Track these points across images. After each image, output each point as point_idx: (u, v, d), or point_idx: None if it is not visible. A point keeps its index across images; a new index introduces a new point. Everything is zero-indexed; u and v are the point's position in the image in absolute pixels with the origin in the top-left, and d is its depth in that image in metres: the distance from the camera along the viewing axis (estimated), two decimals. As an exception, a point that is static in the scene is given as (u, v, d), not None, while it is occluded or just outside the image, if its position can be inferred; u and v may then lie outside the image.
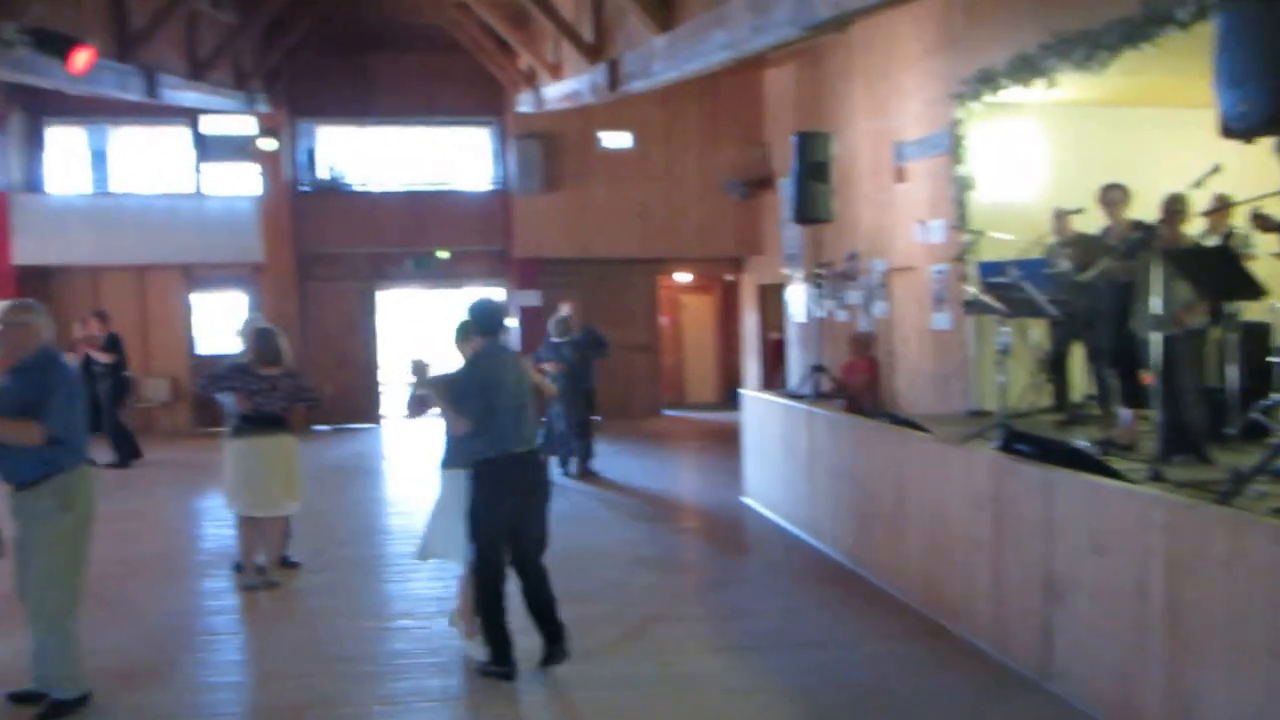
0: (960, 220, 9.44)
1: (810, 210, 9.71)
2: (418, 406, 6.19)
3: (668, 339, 19.34)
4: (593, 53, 10.10)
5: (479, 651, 5.95)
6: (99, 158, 17.49)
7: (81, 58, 7.28)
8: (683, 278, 19.22)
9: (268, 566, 7.91)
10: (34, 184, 17.04)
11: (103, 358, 12.93)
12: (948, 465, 6.52)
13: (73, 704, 5.34)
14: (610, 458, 13.21)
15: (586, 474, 12.09)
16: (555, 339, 12.14)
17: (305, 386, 7.79)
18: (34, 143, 17.05)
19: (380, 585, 8.06)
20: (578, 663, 6.00)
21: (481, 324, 5.81)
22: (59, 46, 7.13)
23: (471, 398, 5.65)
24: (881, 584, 7.41)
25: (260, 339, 7.70)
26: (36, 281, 16.22)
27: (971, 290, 8.56)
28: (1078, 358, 8.62)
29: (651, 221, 16.74)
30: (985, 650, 6.00)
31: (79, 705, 5.37)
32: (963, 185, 9.45)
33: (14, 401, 5.15)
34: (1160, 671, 4.53)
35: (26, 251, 16.22)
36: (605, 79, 9.55)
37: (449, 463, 6.11)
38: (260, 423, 7.58)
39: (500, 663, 5.78)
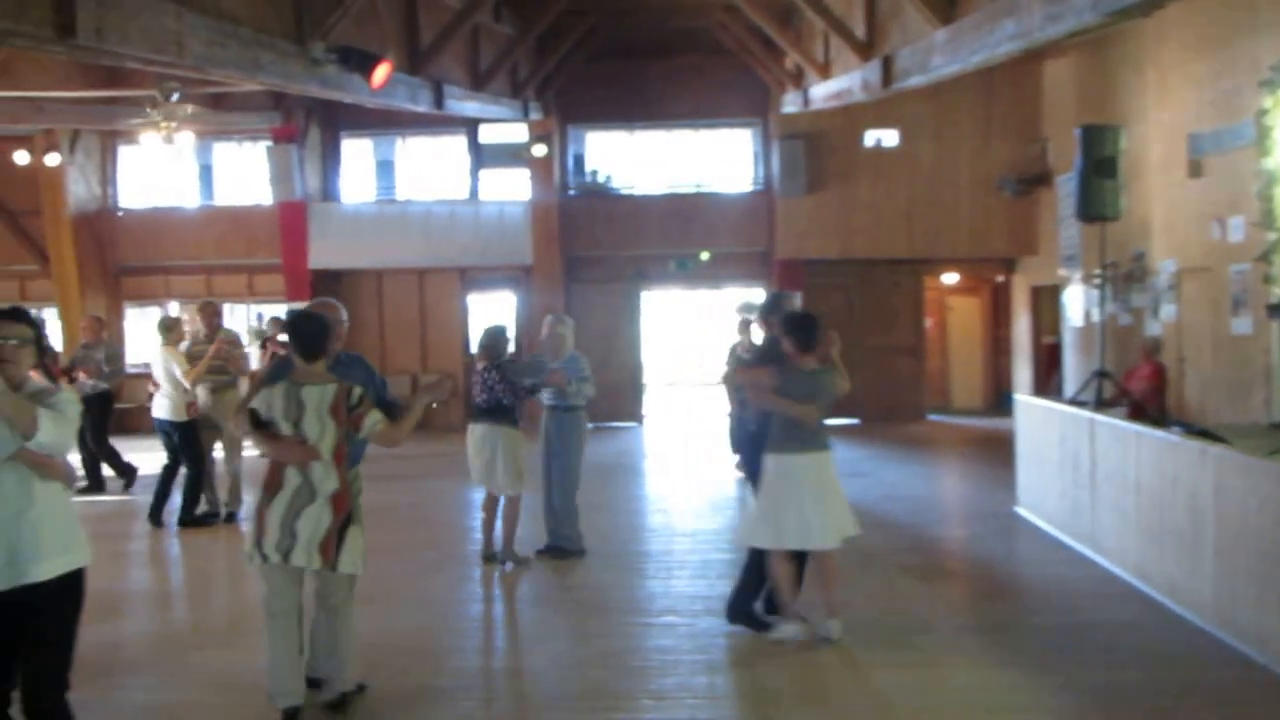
0: (1266, 217, 8.70)
1: (1095, 208, 9.18)
2: None
3: (933, 342, 18.82)
4: (865, 49, 9.91)
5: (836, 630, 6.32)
6: (385, 167, 18.70)
7: (381, 72, 7.76)
8: (950, 279, 18.64)
9: (506, 546, 8.45)
10: (330, 193, 18.39)
11: None
12: (1254, 480, 6.00)
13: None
14: (873, 462, 12.98)
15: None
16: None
17: (499, 380, 8.19)
18: (330, 155, 18.40)
19: (644, 581, 8.17)
20: (845, 670, 5.92)
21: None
22: (362, 63, 7.63)
23: None
24: (1172, 605, 6.91)
25: (480, 337, 8.45)
26: (329, 284, 17.47)
27: (1278, 292, 7.88)
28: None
29: (918, 221, 16.31)
30: (1299, 685, 5.50)
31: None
32: (1270, 179, 8.70)
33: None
34: None
35: (321, 256, 17.49)
36: (878, 76, 9.35)
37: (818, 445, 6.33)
38: (476, 413, 8.32)
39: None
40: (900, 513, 10.48)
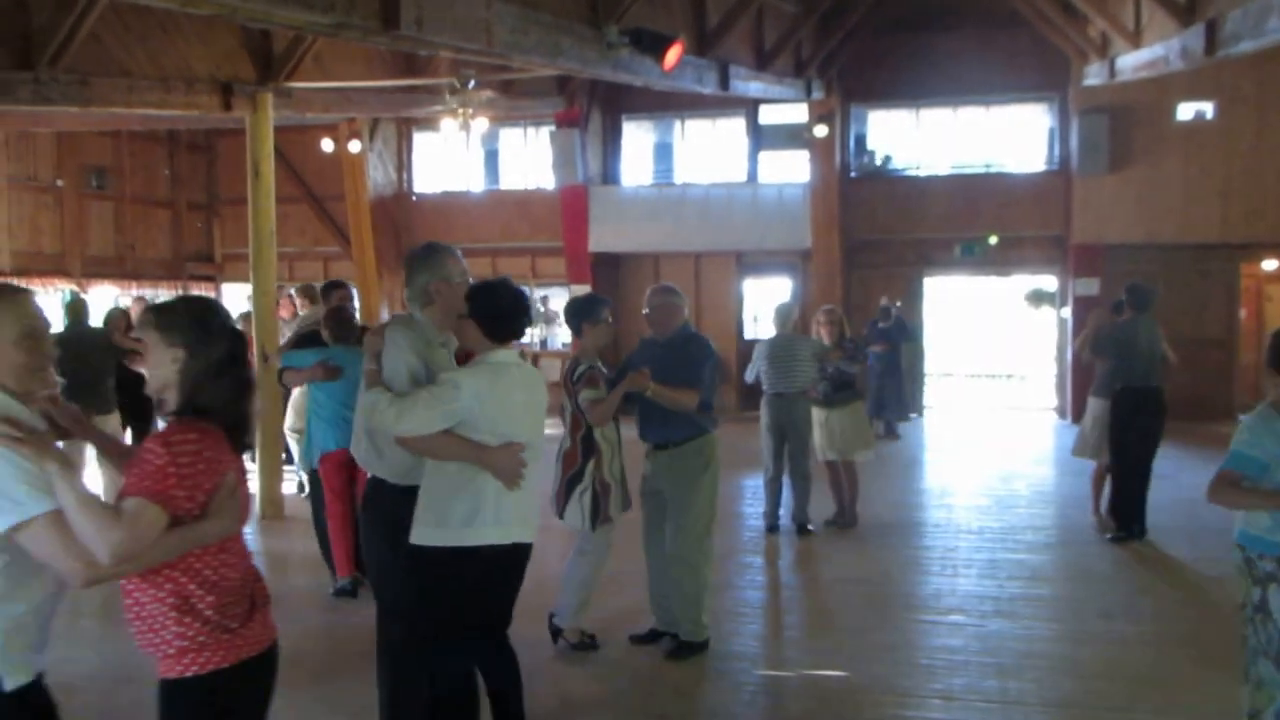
0: None
1: None
2: None
3: (1247, 334, 17.21)
4: (1185, 13, 9.10)
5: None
6: (664, 150, 18.88)
7: (673, 54, 7.77)
8: (1269, 265, 17.02)
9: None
10: (610, 177, 18.75)
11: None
12: None
13: (696, 646, 5.89)
14: (1173, 463, 11.89)
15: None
16: (880, 324, 14.63)
17: None
18: (610, 138, 18.74)
19: (927, 578, 7.88)
20: (1149, 685, 5.60)
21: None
22: (655, 45, 7.66)
23: None
24: None
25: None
26: (607, 267, 17.81)
27: None
28: None
29: (1234, 202, 14.96)
30: None
31: (700, 649, 5.91)
32: None
33: (667, 371, 5.71)
34: None
35: (601, 239, 17.79)
36: (1200, 42, 8.54)
37: None
38: None
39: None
40: (1210, 519, 9.63)
